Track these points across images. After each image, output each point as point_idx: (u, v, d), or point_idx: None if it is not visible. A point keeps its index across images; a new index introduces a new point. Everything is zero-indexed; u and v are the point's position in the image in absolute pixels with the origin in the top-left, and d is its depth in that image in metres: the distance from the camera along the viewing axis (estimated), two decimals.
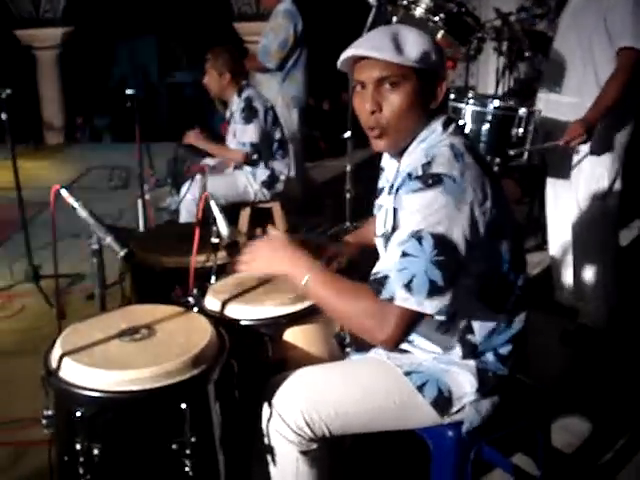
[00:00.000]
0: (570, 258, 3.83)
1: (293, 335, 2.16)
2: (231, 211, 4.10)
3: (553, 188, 3.90)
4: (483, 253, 1.84)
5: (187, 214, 4.25)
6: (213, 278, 2.40)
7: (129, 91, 4.23)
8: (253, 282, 2.33)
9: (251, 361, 2.08)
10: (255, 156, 4.47)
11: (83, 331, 1.97)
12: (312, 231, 5.13)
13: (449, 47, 3.49)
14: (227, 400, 1.95)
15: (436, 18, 3.24)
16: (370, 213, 2.32)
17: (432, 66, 1.86)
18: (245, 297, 2.23)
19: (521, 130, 3.35)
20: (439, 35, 3.33)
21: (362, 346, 2.15)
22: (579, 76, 3.49)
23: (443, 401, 1.96)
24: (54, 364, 1.83)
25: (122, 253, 2.05)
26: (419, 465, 2.22)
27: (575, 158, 3.61)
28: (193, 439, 1.78)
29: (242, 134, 4.44)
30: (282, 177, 4.62)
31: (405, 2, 3.28)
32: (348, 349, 2.23)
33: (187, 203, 4.24)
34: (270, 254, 2.02)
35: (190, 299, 2.24)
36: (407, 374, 1.98)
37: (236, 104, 4.51)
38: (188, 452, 1.78)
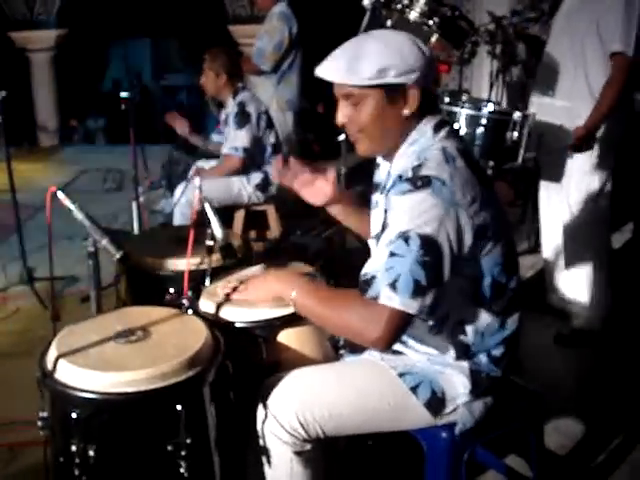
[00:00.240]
0: (563, 261, 3.84)
1: (287, 337, 2.17)
2: (225, 214, 4.10)
3: (546, 191, 3.92)
4: (474, 256, 1.86)
5: (181, 217, 4.26)
6: (207, 280, 2.41)
7: (124, 94, 4.23)
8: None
9: (245, 363, 2.09)
10: (247, 161, 4.48)
11: (78, 333, 1.97)
12: (306, 234, 5.13)
13: (443, 51, 3.49)
14: (222, 402, 1.96)
15: (430, 22, 3.24)
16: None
17: (392, 79, 1.85)
18: (239, 300, 2.24)
19: (515, 134, 3.36)
20: (433, 39, 3.33)
21: (356, 348, 2.16)
22: (571, 80, 3.52)
23: (436, 402, 1.97)
24: (50, 366, 1.84)
25: (118, 255, 2.07)
26: (413, 466, 2.23)
27: (567, 162, 3.63)
28: (188, 440, 1.79)
29: (234, 139, 4.45)
30: (276, 181, 4.62)
31: (399, 6, 3.28)
32: (342, 351, 2.25)
33: (181, 206, 4.25)
34: (261, 283, 2.17)
35: (184, 301, 2.25)
36: (401, 375, 2.00)
37: (231, 107, 4.52)
38: (183, 453, 1.79)
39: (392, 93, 1.88)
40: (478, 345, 1.98)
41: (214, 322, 2.11)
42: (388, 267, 1.77)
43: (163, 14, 9.04)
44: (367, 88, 1.86)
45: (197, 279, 2.37)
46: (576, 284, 3.73)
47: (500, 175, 4.27)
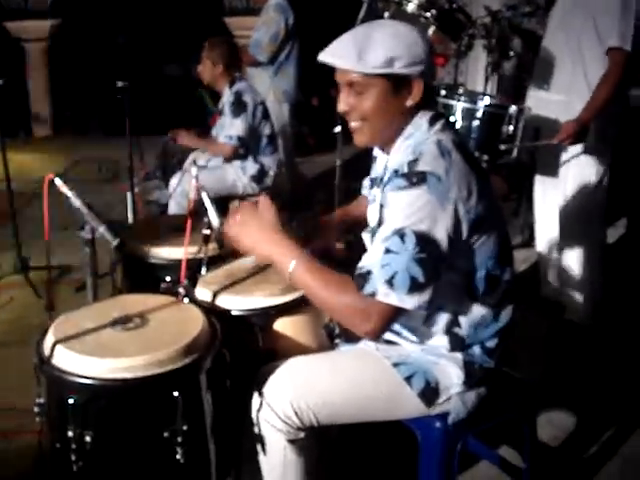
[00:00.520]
0: (557, 254, 3.86)
1: (283, 325, 2.17)
2: (219, 204, 4.11)
3: (541, 185, 3.93)
4: (468, 249, 1.87)
5: (176, 207, 4.26)
6: (204, 269, 2.41)
7: (119, 83, 4.23)
8: (243, 273, 2.35)
9: (241, 351, 2.09)
10: (241, 150, 4.49)
11: (76, 320, 1.98)
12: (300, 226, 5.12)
13: (440, 43, 3.51)
14: (218, 389, 1.97)
15: (428, 14, 3.25)
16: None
17: (399, 69, 1.85)
18: (235, 288, 2.25)
19: (511, 127, 3.37)
20: (431, 31, 3.34)
21: (351, 337, 2.17)
22: (568, 74, 3.53)
23: (430, 392, 1.98)
24: (47, 352, 1.84)
25: (115, 243, 2.07)
26: (406, 455, 2.24)
27: (564, 156, 3.64)
28: (185, 427, 1.80)
29: (230, 127, 4.45)
30: (271, 172, 4.64)
31: None
32: (337, 340, 2.25)
33: (176, 196, 4.25)
34: (258, 234, 2.00)
35: (181, 290, 2.26)
36: (395, 365, 2.01)
37: (227, 96, 4.52)
38: (180, 440, 1.80)
39: (397, 84, 1.88)
40: (472, 337, 1.99)
41: (210, 310, 2.11)
42: (384, 264, 1.78)
43: (159, 5, 9.02)
44: (373, 77, 1.86)
45: (193, 268, 2.37)
46: (570, 277, 3.75)
47: (495, 169, 4.28)
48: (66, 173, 6.29)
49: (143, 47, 9.26)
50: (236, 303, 2.17)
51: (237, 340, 2.08)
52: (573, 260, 3.73)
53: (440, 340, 2.00)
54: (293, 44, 5.70)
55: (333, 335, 2.26)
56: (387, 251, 1.78)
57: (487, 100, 3.49)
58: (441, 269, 1.80)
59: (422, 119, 1.94)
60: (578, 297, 3.75)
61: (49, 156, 7.93)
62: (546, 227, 3.94)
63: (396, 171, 1.89)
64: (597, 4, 3.35)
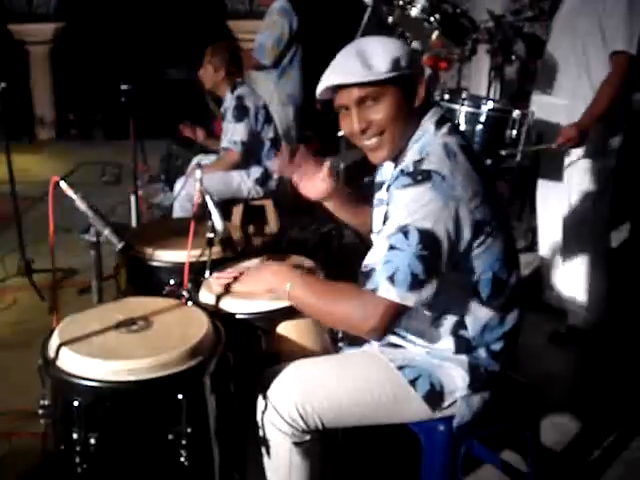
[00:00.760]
0: (560, 259, 3.86)
1: (286, 329, 2.18)
2: (223, 208, 4.11)
3: (544, 189, 3.93)
4: (472, 251, 1.88)
5: (180, 210, 4.26)
6: (207, 273, 2.42)
7: (124, 86, 4.23)
8: None
9: (245, 354, 2.10)
10: (245, 154, 4.49)
11: (81, 322, 1.98)
12: (304, 230, 5.13)
13: (444, 47, 3.51)
14: (223, 392, 1.97)
15: (432, 19, 3.26)
16: None
17: (405, 69, 1.88)
18: (239, 292, 2.25)
19: (514, 132, 3.37)
20: (434, 36, 3.35)
21: (355, 340, 2.17)
22: (573, 78, 3.52)
23: (435, 395, 1.99)
24: (52, 354, 1.85)
25: (119, 245, 2.07)
26: (410, 459, 2.24)
27: (567, 160, 3.64)
28: (189, 430, 1.79)
29: (233, 132, 4.46)
30: (275, 175, 4.64)
31: (401, 2, 3.29)
32: (340, 343, 2.26)
33: (181, 200, 4.25)
34: (256, 273, 2.17)
35: (185, 293, 2.26)
36: (400, 368, 2.01)
37: (228, 101, 4.53)
38: (184, 442, 1.80)
39: (405, 86, 1.91)
40: (478, 340, 1.99)
41: (214, 313, 2.12)
42: (387, 260, 1.79)
43: (162, 8, 9.03)
44: (383, 84, 1.88)
45: (197, 271, 2.38)
46: (573, 282, 3.74)
47: (498, 174, 4.29)
48: (70, 176, 6.30)
49: (146, 50, 9.28)
50: (240, 306, 2.17)
51: (241, 343, 2.09)
52: (576, 265, 3.73)
53: (446, 343, 2.00)
54: (297, 47, 5.71)
55: (337, 339, 2.26)
56: (390, 248, 1.80)
57: (490, 104, 3.50)
58: (442, 267, 1.81)
59: (429, 122, 1.96)
60: (581, 302, 3.74)
61: (52, 159, 7.95)
62: (549, 232, 3.94)
63: (402, 171, 1.91)
64: (603, 8, 3.34)
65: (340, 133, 3.87)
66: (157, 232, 3.01)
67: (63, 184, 2.07)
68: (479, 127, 3.40)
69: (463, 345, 1.99)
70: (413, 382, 1.99)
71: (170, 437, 1.80)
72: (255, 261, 2.44)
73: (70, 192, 2.07)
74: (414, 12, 3.33)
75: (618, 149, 3.63)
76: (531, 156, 3.86)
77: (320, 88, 1.94)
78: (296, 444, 1.96)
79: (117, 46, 9.18)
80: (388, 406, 2.01)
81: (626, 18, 3.27)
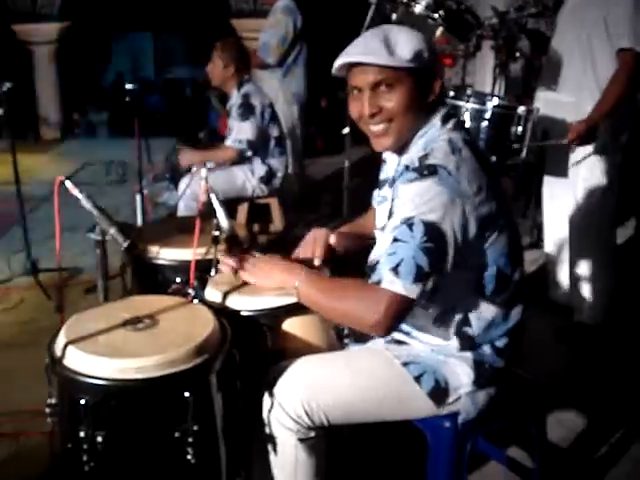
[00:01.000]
0: (566, 255, 3.86)
1: (292, 325, 2.18)
2: (228, 206, 4.12)
3: (550, 186, 3.93)
4: (477, 246, 1.88)
5: (185, 209, 4.27)
6: (213, 271, 2.42)
7: (128, 86, 4.24)
8: None
9: (251, 351, 2.10)
10: (249, 153, 4.49)
11: (87, 320, 1.98)
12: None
13: (448, 44, 3.51)
14: (229, 390, 1.97)
15: (436, 15, 3.26)
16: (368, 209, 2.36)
17: (426, 64, 1.89)
18: (244, 288, 2.25)
19: (520, 128, 3.37)
20: (438, 32, 3.35)
21: (360, 337, 2.18)
22: (578, 75, 3.52)
23: (440, 392, 1.99)
24: (58, 352, 1.85)
25: (125, 244, 2.07)
26: (416, 456, 2.24)
27: (574, 157, 3.63)
28: (195, 427, 1.79)
29: (239, 131, 4.46)
30: (279, 174, 4.65)
31: None
32: (346, 340, 2.26)
33: (186, 198, 4.26)
34: (266, 267, 2.14)
35: (190, 291, 2.26)
36: (405, 365, 2.01)
37: (235, 98, 4.53)
38: (190, 440, 1.80)
39: (422, 79, 1.91)
40: (482, 336, 1.99)
41: (220, 310, 2.12)
42: (391, 252, 1.79)
43: (166, 7, 9.04)
44: (402, 72, 1.88)
45: (202, 269, 2.38)
46: (579, 279, 3.74)
47: (503, 170, 4.28)
48: (75, 175, 6.32)
49: (151, 49, 9.29)
50: (245, 303, 2.17)
51: (246, 340, 2.09)
52: (582, 261, 3.72)
53: (450, 340, 2.00)
54: (301, 46, 5.71)
55: (342, 335, 2.26)
56: (395, 240, 1.80)
57: (496, 101, 3.49)
58: (447, 261, 1.80)
59: (435, 117, 1.96)
60: (587, 298, 3.74)
61: (58, 159, 7.96)
62: (555, 228, 3.94)
63: (407, 166, 1.91)
64: (608, 4, 3.33)
65: (345, 131, 3.90)
66: (162, 231, 3.01)
67: (68, 183, 2.08)
68: (484, 124, 3.39)
69: (467, 342, 1.99)
70: (418, 378, 1.99)
71: (177, 435, 1.80)
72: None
73: (75, 191, 2.08)
74: (418, 9, 3.33)
75: (625, 145, 3.62)
76: (536, 152, 3.87)
77: (338, 63, 1.93)
78: (302, 441, 1.97)
79: (121, 45, 9.21)
80: (393, 402, 2.01)
81: (632, 14, 3.27)
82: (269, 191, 4.63)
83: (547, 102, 3.69)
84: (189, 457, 1.81)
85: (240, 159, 4.49)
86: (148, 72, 9.93)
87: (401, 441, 2.53)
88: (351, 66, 1.93)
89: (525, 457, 2.59)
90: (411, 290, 1.77)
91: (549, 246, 4.03)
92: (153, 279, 2.68)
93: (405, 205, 1.82)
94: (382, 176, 2.23)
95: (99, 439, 1.76)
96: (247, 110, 4.44)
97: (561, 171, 3.75)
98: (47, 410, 1.88)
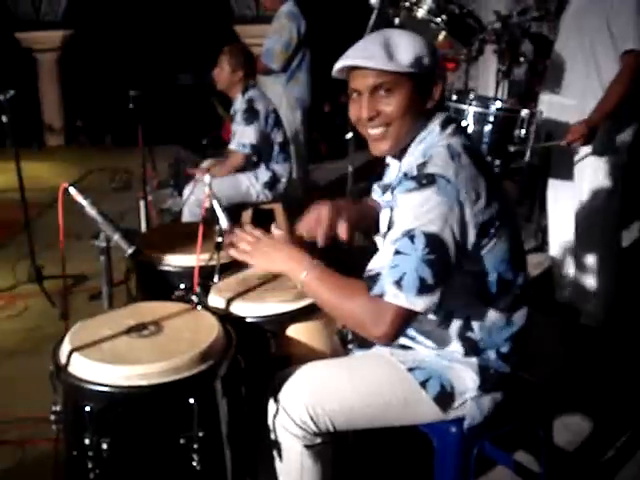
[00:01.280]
0: (571, 258, 3.85)
1: (296, 331, 2.18)
2: (233, 212, 4.12)
3: (555, 189, 3.92)
4: (477, 252, 1.87)
5: (190, 215, 4.28)
6: (216, 277, 2.42)
7: (132, 92, 4.25)
8: (256, 280, 2.36)
9: (256, 357, 2.10)
10: (254, 158, 4.50)
11: (91, 327, 1.99)
12: None
13: (451, 48, 3.51)
14: (234, 396, 1.97)
15: (438, 19, 3.27)
16: None
17: (426, 69, 1.89)
18: (248, 295, 2.25)
19: (523, 131, 3.37)
20: (441, 36, 3.35)
21: (364, 342, 2.17)
22: (582, 78, 3.52)
23: (445, 397, 1.98)
24: (63, 360, 1.85)
25: (130, 250, 2.07)
26: (422, 461, 2.24)
27: (578, 159, 3.63)
28: (201, 434, 1.80)
29: (242, 135, 4.47)
30: (283, 179, 4.65)
31: (407, 4, 3.30)
32: (350, 345, 2.25)
33: (190, 205, 4.26)
34: (270, 250, 2.06)
35: (194, 297, 2.26)
36: (410, 370, 2.01)
37: (239, 103, 4.54)
38: (196, 447, 1.80)
39: (422, 84, 1.90)
40: (486, 341, 1.99)
41: (224, 317, 2.12)
42: (393, 265, 1.79)
43: (169, 14, 9.06)
44: (402, 77, 1.87)
45: (206, 275, 2.38)
46: (585, 281, 3.74)
47: (507, 174, 4.28)
48: (79, 182, 6.32)
49: (155, 56, 9.30)
50: (249, 310, 2.17)
51: (251, 346, 2.09)
52: (587, 264, 3.72)
53: (454, 345, 2.00)
54: (305, 51, 5.71)
55: (346, 341, 2.26)
56: (397, 252, 1.79)
57: (499, 104, 3.49)
58: (450, 271, 1.80)
59: (434, 123, 1.95)
60: (592, 301, 3.74)
61: (62, 166, 7.97)
62: (560, 231, 3.93)
63: (405, 174, 1.91)
64: (611, 6, 3.33)
65: (348, 136, 3.90)
66: (166, 237, 3.02)
67: (73, 190, 2.08)
68: (488, 127, 3.39)
69: (471, 347, 1.98)
70: (424, 384, 1.98)
71: (182, 441, 1.80)
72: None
73: (80, 198, 2.08)
74: (421, 13, 3.34)
75: (630, 147, 3.62)
76: (541, 154, 3.86)
77: (338, 66, 1.93)
78: (307, 447, 1.96)
79: (125, 52, 9.22)
80: (399, 408, 2.01)
81: (635, 16, 3.26)
82: (273, 196, 4.63)
83: (551, 105, 3.69)
84: (194, 464, 1.81)
85: (247, 164, 4.49)
86: (152, 79, 9.94)
87: (407, 446, 2.52)
88: (351, 69, 1.93)
89: (532, 461, 2.58)
90: (415, 303, 1.77)
91: (554, 248, 4.03)
92: (157, 285, 2.68)
93: (405, 216, 1.81)
94: (386, 180, 2.22)
95: (104, 446, 1.76)
96: (251, 115, 4.45)
97: (566, 174, 3.75)
98: (52, 417, 1.89)
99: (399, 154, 2.01)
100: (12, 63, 8.36)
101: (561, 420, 2.93)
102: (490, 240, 1.88)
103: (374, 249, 2.13)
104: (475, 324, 1.97)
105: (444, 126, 1.95)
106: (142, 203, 4.41)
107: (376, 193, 2.34)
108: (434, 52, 1.94)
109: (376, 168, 2.26)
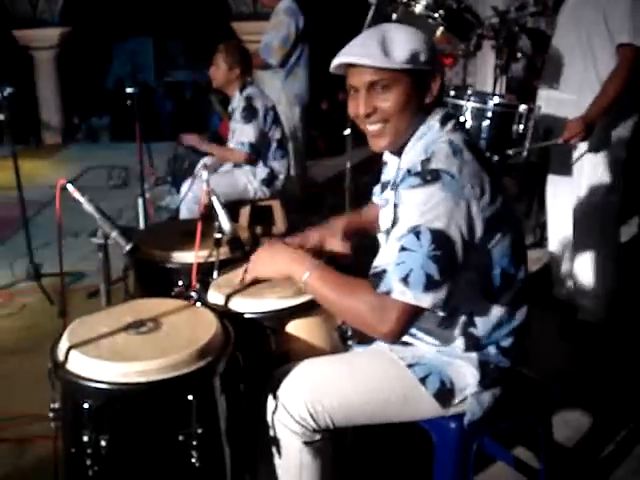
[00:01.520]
0: (570, 254, 3.85)
1: (295, 328, 2.17)
2: (231, 209, 4.12)
3: (554, 184, 3.92)
4: (483, 248, 1.87)
5: (188, 212, 4.27)
6: (215, 273, 2.42)
7: (129, 90, 4.24)
8: None
9: (254, 354, 2.09)
10: (254, 156, 4.50)
11: (90, 324, 1.98)
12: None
13: (449, 43, 3.51)
14: (232, 392, 1.97)
15: (436, 15, 3.26)
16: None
17: (423, 65, 1.88)
18: (247, 291, 2.25)
19: (521, 127, 3.36)
20: (439, 32, 3.35)
21: (364, 339, 2.16)
22: (579, 73, 3.51)
23: (445, 393, 1.98)
24: (61, 357, 1.84)
25: (128, 247, 2.07)
26: (422, 457, 2.24)
27: (577, 155, 3.63)
28: (199, 430, 1.79)
29: (241, 133, 4.47)
30: (281, 176, 4.65)
31: None
32: (350, 342, 2.25)
33: (188, 201, 4.26)
34: (271, 257, 2.10)
35: (193, 294, 2.26)
36: (410, 366, 2.00)
37: (237, 101, 4.54)
38: (194, 443, 1.79)
39: (419, 80, 1.89)
40: (488, 337, 1.98)
41: (223, 313, 2.11)
42: (399, 262, 1.78)
43: (166, 11, 9.05)
44: (398, 73, 1.86)
45: (205, 272, 2.38)
46: (583, 277, 3.74)
47: (505, 170, 4.28)
48: (77, 180, 6.32)
49: (151, 52, 9.31)
50: (248, 306, 2.16)
51: (250, 343, 2.08)
52: (586, 260, 3.71)
53: (456, 341, 1.99)
54: (303, 47, 5.71)
55: (346, 337, 2.25)
56: (402, 249, 1.78)
57: (497, 100, 3.49)
58: (457, 267, 1.79)
59: (434, 119, 1.95)
60: (591, 297, 3.74)
61: (59, 163, 7.98)
62: (559, 227, 3.93)
63: (409, 170, 1.90)
64: (607, 2, 3.33)
65: (346, 132, 3.89)
66: (165, 234, 3.02)
67: (70, 188, 2.08)
68: (486, 123, 3.39)
69: (473, 343, 1.98)
70: (423, 380, 1.98)
71: (181, 438, 1.79)
72: None
73: (77, 195, 2.08)
74: (418, 9, 3.33)
75: (628, 142, 3.61)
76: (539, 152, 3.86)
77: (335, 63, 1.92)
78: (306, 444, 1.95)
79: (122, 50, 9.22)
80: (398, 404, 2.00)
81: (631, 9, 3.26)
82: (271, 193, 4.63)
83: (549, 100, 3.68)
84: (193, 460, 1.80)
85: (252, 162, 4.49)
86: (149, 76, 9.94)
87: (406, 442, 2.52)
88: (349, 65, 1.93)
89: (531, 457, 2.58)
90: (422, 299, 1.76)
91: (553, 244, 4.03)
92: (155, 282, 2.68)
93: (410, 213, 1.80)
94: (384, 178, 2.22)
95: (103, 443, 1.75)
96: (250, 113, 4.44)
97: (565, 170, 3.75)
98: (50, 415, 1.88)
99: (398, 150, 2.01)
100: (9, 61, 8.35)
101: (561, 416, 2.93)
102: (495, 234, 1.88)
103: (373, 246, 2.14)
104: (478, 321, 1.97)
105: (444, 122, 1.94)
106: (140, 200, 4.41)
107: (375, 195, 2.34)
108: (432, 47, 1.93)
109: (374, 165, 2.26)
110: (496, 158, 3.42)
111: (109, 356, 1.80)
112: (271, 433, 1.98)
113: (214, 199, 2.46)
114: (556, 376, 3.13)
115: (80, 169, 7.12)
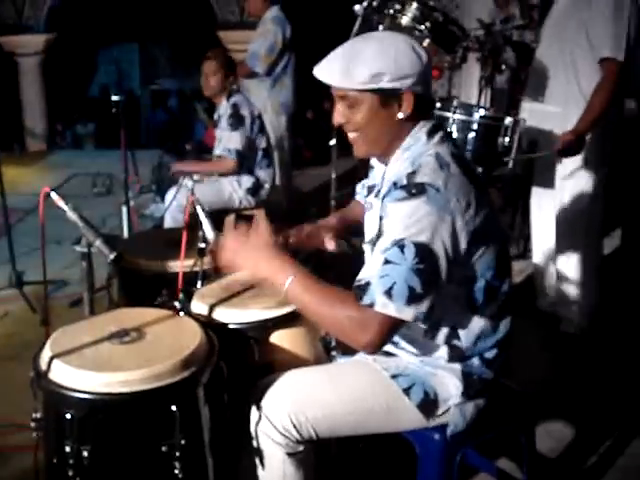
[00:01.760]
0: (553, 266, 3.87)
1: (279, 338, 2.17)
2: (215, 218, 4.11)
3: (538, 196, 3.94)
4: (467, 261, 1.87)
5: (172, 221, 4.25)
6: (199, 283, 2.41)
7: (115, 97, 4.23)
8: (239, 286, 2.34)
9: (238, 364, 2.09)
10: (240, 163, 4.49)
11: (73, 334, 1.97)
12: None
13: (435, 55, 3.52)
14: (216, 403, 1.96)
15: (422, 27, 3.28)
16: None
17: (386, 84, 1.85)
18: (231, 301, 2.25)
19: (507, 139, 3.37)
20: (425, 44, 3.36)
21: (348, 349, 2.16)
22: (563, 86, 3.54)
23: (429, 404, 1.98)
24: (44, 366, 1.83)
25: (111, 256, 2.06)
26: (405, 469, 2.23)
27: (560, 167, 3.65)
28: (183, 441, 1.79)
29: (228, 141, 4.45)
30: (267, 185, 4.64)
31: (391, 11, 3.31)
32: (334, 352, 2.25)
33: (172, 210, 4.24)
34: (254, 254, 1.98)
35: (177, 303, 2.25)
36: (393, 377, 2.00)
37: (223, 108, 4.53)
38: (178, 454, 1.79)
39: (386, 97, 1.88)
40: (471, 349, 1.99)
41: (207, 323, 2.11)
42: (383, 274, 1.78)
43: (152, 19, 9.05)
44: (360, 92, 1.87)
45: (189, 281, 2.37)
46: (566, 289, 3.75)
47: (490, 181, 4.29)
48: (60, 187, 6.29)
49: (137, 60, 9.30)
50: (232, 316, 2.16)
51: (234, 353, 2.08)
52: (569, 272, 3.73)
53: (439, 352, 1.99)
54: (290, 56, 5.72)
55: (329, 347, 2.25)
56: (386, 262, 1.78)
57: (482, 112, 3.50)
58: (440, 280, 1.80)
59: (421, 131, 1.94)
60: (574, 309, 3.76)
61: (43, 170, 7.93)
62: (542, 239, 3.95)
63: (395, 183, 1.89)
64: (589, 14, 3.35)
65: (331, 142, 3.91)
66: (149, 243, 3.01)
67: (54, 195, 2.07)
68: (471, 135, 3.40)
69: (456, 354, 1.98)
70: (407, 391, 1.98)
71: (164, 449, 1.79)
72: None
73: (61, 203, 2.07)
74: (405, 21, 3.35)
75: (610, 154, 3.64)
76: (524, 164, 3.88)
77: (313, 73, 1.94)
78: (290, 455, 1.95)
79: (107, 57, 9.21)
80: (382, 415, 2.00)
81: (613, 24, 3.29)
82: (256, 202, 4.61)
83: (533, 113, 3.70)
84: (176, 471, 1.80)
85: (239, 169, 4.47)
86: (134, 84, 9.93)
87: (390, 454, 2.52)
88: None
89: (514, 468, 2.59)
90: (404, 312, 1.76)
91: (537, 256, 4.05)
92: (139, 291, 2.67)
93: (395, 226, 1.80)
94: (370, 182, 2.22)
95: (85, 454, 1.75)
96: (237, 120, 4.43)
97: (549, 182, 3.76)
98: (32, 424, 1.87)
99: (384, 158, 2.01)
100: None
101: (543, 427, 2.93)
102: (479, 248, 1.88)
103: (358, 257, 2.13)
104: (462, 333, 1.97)
105: (430, 134, 1.93)
106: (124, 208, 4.39)
107: (360, 194, 2.35)
108: (404, 62, 1.86)
109: (359, 175, 2.26)
110: (481, 170, 3.43)
111: (92, 366, 1.79)
112: (254, 444, 1.97)
113: (198, 208, 2.46)
114: (539, 387, 3.15)
115: (64, 176, 7.08)
